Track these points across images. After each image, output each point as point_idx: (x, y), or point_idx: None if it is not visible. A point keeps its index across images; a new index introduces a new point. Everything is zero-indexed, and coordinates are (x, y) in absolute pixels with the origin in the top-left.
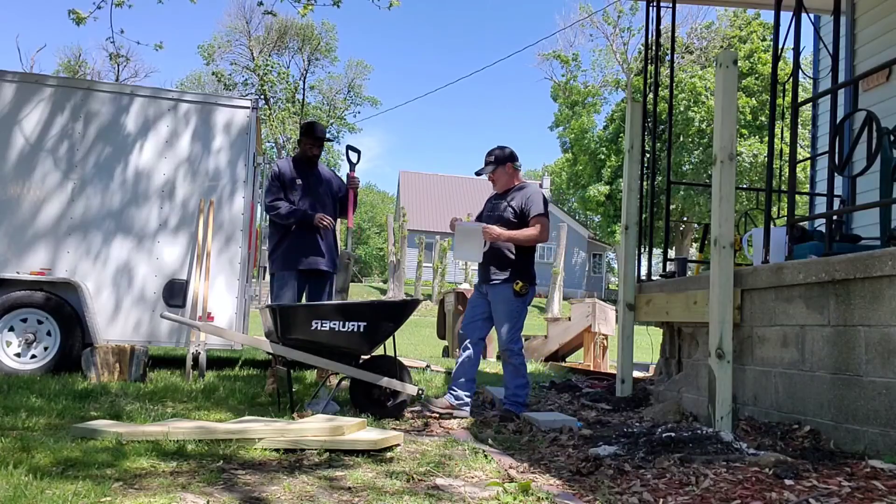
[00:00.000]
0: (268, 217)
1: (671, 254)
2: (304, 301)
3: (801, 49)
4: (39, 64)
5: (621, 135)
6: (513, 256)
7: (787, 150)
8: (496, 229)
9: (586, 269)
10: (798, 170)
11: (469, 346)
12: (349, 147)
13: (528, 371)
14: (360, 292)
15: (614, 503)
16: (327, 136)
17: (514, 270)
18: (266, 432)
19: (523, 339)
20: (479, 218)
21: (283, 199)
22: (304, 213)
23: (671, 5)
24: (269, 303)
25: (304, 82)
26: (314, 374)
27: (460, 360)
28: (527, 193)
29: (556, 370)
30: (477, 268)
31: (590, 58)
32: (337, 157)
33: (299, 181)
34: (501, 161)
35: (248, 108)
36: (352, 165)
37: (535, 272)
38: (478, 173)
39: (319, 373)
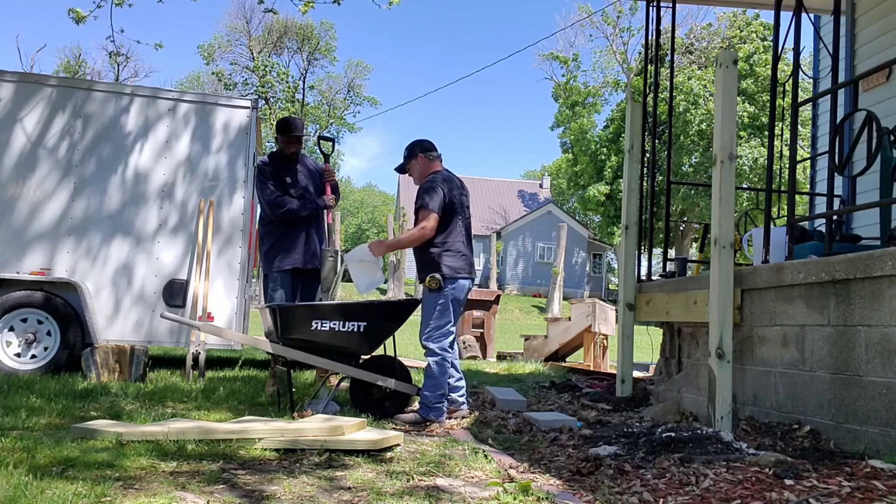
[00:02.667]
0: (259, 217)
1: (671, 254)
2: (297, 300)
3: (801, 49)
4: (39, 64)
5: (621, 135)
6: (423, 254)
7: (787, 151)
8: (380, 243)
9: (587, 269)
10: (798, 170)
11: None
12: (321, 137)
13: (525, 371)
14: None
15: (614, 503)
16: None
17: (424, 267)
18: (266, 432)
19: (450, 338)
20: None
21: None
22: (317, 205)
23: (671, 5)
24: (263, 303)
25: (303, 82)
26: (313, 374)
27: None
28: (421, 185)
29: (556, 370)
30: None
31: (590, 58)
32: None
33: (288, 179)
34: (412, 153)
35: (247, 107)
36: (325, 157)
37: (455, 263)
38: (396, 170)
39: (319, 372)
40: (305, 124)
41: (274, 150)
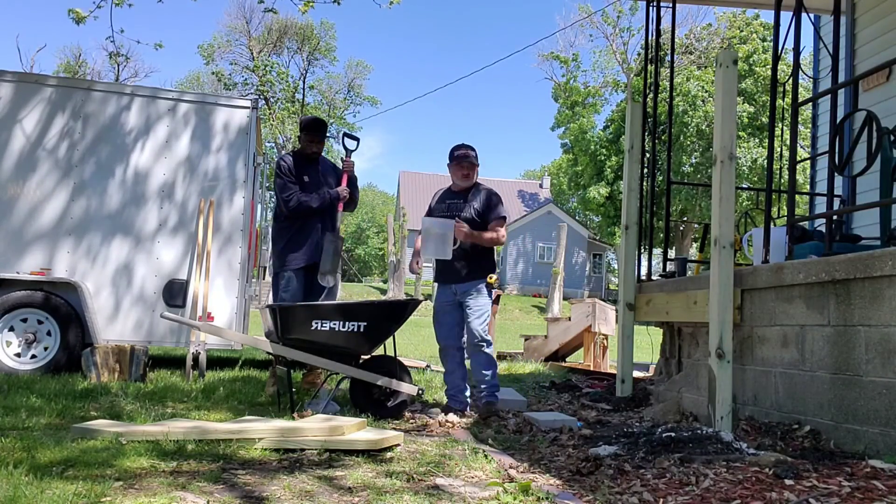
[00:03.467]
0: (274, 215)
1: (671, 254)
2: (310, 296)
3: (801, 49)
4: (39, 64)
5: (621, 135)
6: (486, 253)
7: (787, 151)
8: (468, 228)
9: (587, 269)
10: (798, 170)
11: (455, 353)
12: (346, 134)
13: (525, 371)
14: (360, 292)
15: (614, 503)
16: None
17: (487, 267)
18: (266, 432)
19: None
20: (430, 213)
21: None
22: (330, 196)
23: (671, 5)
24: (271, 302)
25: (303, 82)
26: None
27: (452, 368)
28: (488, 195)
29: (556, 370)
30: (437, 267)
31: (590, 58)
32: (336, 155)
33: (306, 178)
34: (477, 163)
35: (247, 107)
36: (348, 152)
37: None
38: (467, 163)
39: (308, 378)
40: None
41: (294, 149)
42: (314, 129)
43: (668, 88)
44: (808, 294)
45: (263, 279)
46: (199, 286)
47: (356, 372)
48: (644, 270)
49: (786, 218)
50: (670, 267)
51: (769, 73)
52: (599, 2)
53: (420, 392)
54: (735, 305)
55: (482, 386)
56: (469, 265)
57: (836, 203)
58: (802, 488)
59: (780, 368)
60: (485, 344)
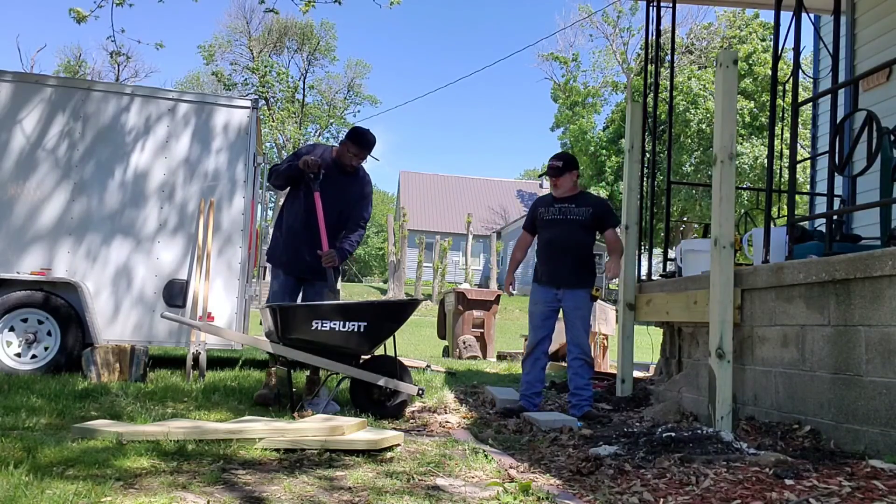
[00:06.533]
0: (269, 215)
1: (671, 254)
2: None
3: (801, 49)
4: (39, 64)
5: (621, 136)
6: (587, 264)
7: (787, 150)
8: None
9: None
10: (798, 170)
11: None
12: None
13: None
14: (360, 292)
15: (614, 503)
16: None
17: (589, 276)
18: (266, 432)
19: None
20: (536, 219)
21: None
22: (291, 164)
23: (671, 5)
24: (270, 301)
25: (303, 82)
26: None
27: (543, 366)
28: (602, 203)
29: (556, 370)
30: (544, 268)
31: (590, 59)
32: None
33: (330, 191)
34: (570, 166)
35: (248, 108)
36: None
37: None
38: (551, 174)
39: (311, 378)
40: (305, 124)
41: (334, 150)
42: (365, 146)
43: (668, 88)
44: (808, 294)
45: (263, 279)
46: (200, 286)
47: (356, 372)
48: (644, 270)
49: (786, 218)
50: (670, 267)
51: (769, 72)
52: (599, 2)
53: (420, 392)
54: (735, 305)
55: (586, 394)
56: (574, 272)
57: (836, 203)
58: (802, 488)
59: (781, 368)
60: (584, 352)
